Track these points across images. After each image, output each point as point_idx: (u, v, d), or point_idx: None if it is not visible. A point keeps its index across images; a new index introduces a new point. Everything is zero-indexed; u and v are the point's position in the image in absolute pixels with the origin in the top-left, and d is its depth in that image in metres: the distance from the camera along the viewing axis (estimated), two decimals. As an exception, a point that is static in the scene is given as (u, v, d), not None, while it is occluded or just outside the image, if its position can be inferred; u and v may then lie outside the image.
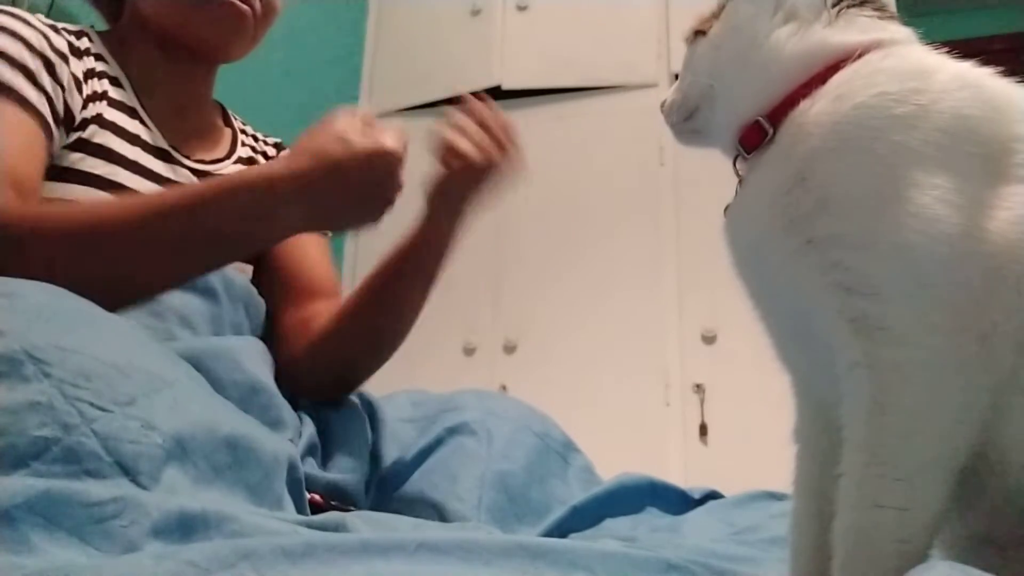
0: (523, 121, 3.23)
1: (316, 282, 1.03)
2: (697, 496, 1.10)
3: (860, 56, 0.53)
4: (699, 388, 2.33)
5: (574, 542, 0.58)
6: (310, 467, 0.84)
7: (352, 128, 0.77)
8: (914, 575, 0.39)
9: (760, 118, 0.56)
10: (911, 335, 0.46)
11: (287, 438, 0.85)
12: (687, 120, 0.64)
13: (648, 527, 0.98)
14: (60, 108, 0.86)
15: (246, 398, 0.75)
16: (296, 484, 0.61)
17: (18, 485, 0.38)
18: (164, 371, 0.53)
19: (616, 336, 2.37)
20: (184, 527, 0.41)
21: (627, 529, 0.97)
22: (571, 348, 2.42)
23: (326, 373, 0.95)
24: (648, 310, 2.41)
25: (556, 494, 0.98)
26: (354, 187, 0.77)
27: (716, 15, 0.62)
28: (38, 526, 0.37)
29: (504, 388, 2.32)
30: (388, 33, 3.03)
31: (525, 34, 2.80)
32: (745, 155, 0.58)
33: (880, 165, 0.48)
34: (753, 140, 0.57)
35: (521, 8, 2.82)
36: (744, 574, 0.52)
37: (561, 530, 0.92)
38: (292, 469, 0.59)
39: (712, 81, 0.60)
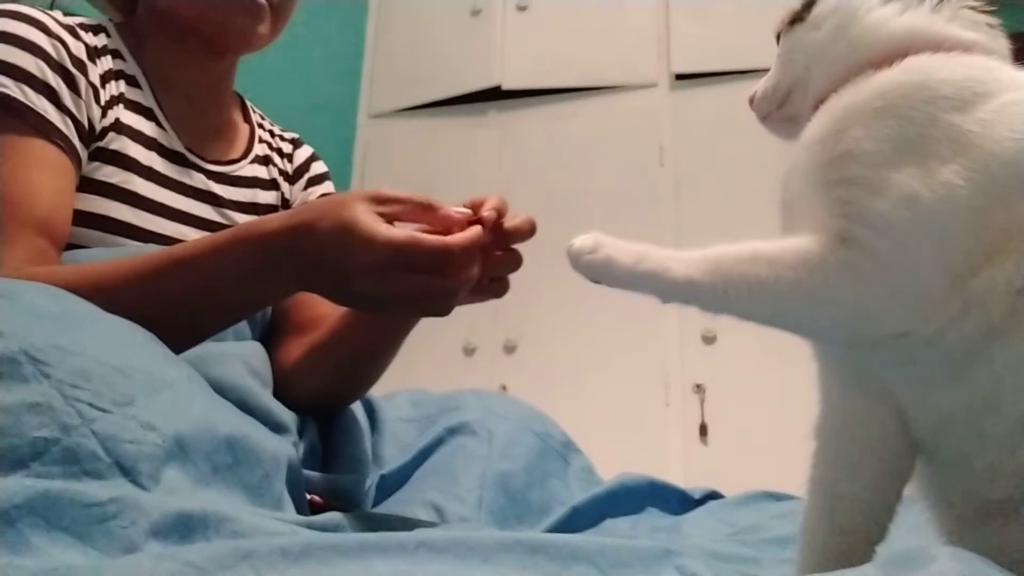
0: (523, 121, 3.24)
1: (315, 317, 1.02)
2: (697, 496, 1.10)
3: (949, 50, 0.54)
4: (699, 388, 2.33)
5: (572, 536, 0.58)
6: (310, 469, 0.84)
7: (364, 220, 0.63)
8: (917, 566, 0.39)
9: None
10: (888, 256, 0.48)
11: (289, 441, 0.85)
12: (781, 107, 0.63)
13: (648, 527, 0.99)
14: (84, 124, 0.84)
15: (246, 402, 0.74)
16: (296, 485, 0.61)
17: (17, 486, 0.38)
18: (164, 371, 0.53)
19: (616, 336, 2.37)
20: (183, 528, 0.41)
21: (627, 529, 0.97)
22: (571, 348, 2.42)
23: (306, 397, 0.93)
24: (648, 310, 2.41)
25: (556, 494, 0.98)
26: (366, 299, 0.69)
27: (809, 4, 0.62)
28: (37, 526, 0.37)
29: (504, 388, 2.32)
30: (388, 33, 3.04)
31: (525, 34, 2.80)
32: None
33: (914, 129, 0.49)
34: None
35: (521, 8, 2.83)
36: (744, 572, 0.52)
37: (561, 531, 0.92)
38: (292, 470, 0.59)
39: (808, 61, 0.60)
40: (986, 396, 0.49)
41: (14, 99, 0.79)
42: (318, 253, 0.65)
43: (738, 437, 2.22)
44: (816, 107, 0.57)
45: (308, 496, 0.71)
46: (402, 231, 0.64)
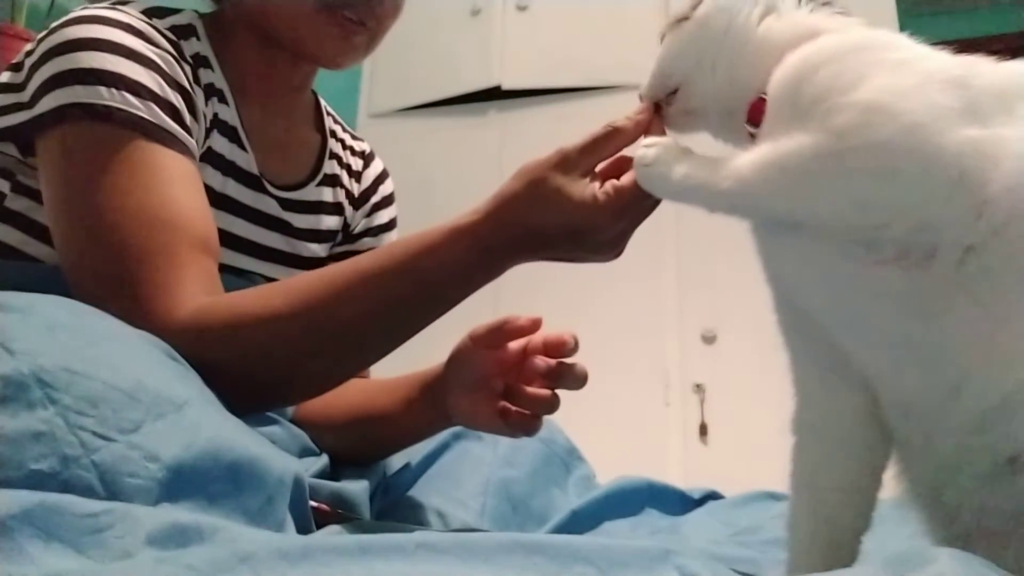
0: (523, 121, 3.23)
1: None
2: (696, 497, 1.10)
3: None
4: (699, 388, 2.33)
5: (572, 536, 0.58)
6: (318, 476, 0.84)
7: (566, 189, 0.70)
8: (917, 566, 0.39)
9: (763, 94, 0.59)
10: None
11: (313, 457, 0.85)
12: (670, 102, 0.69)
13: (648, 528, 0.99)
14: (197, 148, 0.80)
15: (264, 428, 0.74)
16: (299, 503, 0.60)
17: (13, 496, 0.38)
18: (175, 392, 0.52)
19: (616, 336, 2.37)
20: (178, 538, 0.41)
21: (627, 531, 0.97)
22: (571, 348, 2.41)
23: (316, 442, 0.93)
24: (648, 310, 2.41)
25: (556, 504, 0.98)
26: (570, 253, 0.73)
27: (695, 5, 0.67)
28: (34, 536, 0.37)
29: (504, 388, 2.32)
30: (388, 33, 3.04)
31: (525, 34, 2.80)
32: (755, 129, 0.61)
33: (851, 60, 0.54)
34: (760, 112, 0.60)
35: (521, 8, 2.82)
36: (744, 572, 0.52)
37: (560, 534, 0.92)
38: (297, 487, 0.58)
39: (698, 59, 0.65)
40: (948, 375, 0.50)
41: (143, 118, 0.73)
42: (525, 224, 0.69)
43: (738, 437, 2.22)
44: (748, 112, 0.61)
45: (315, 504, 0.69)
46: (587, 198, 0.69)
